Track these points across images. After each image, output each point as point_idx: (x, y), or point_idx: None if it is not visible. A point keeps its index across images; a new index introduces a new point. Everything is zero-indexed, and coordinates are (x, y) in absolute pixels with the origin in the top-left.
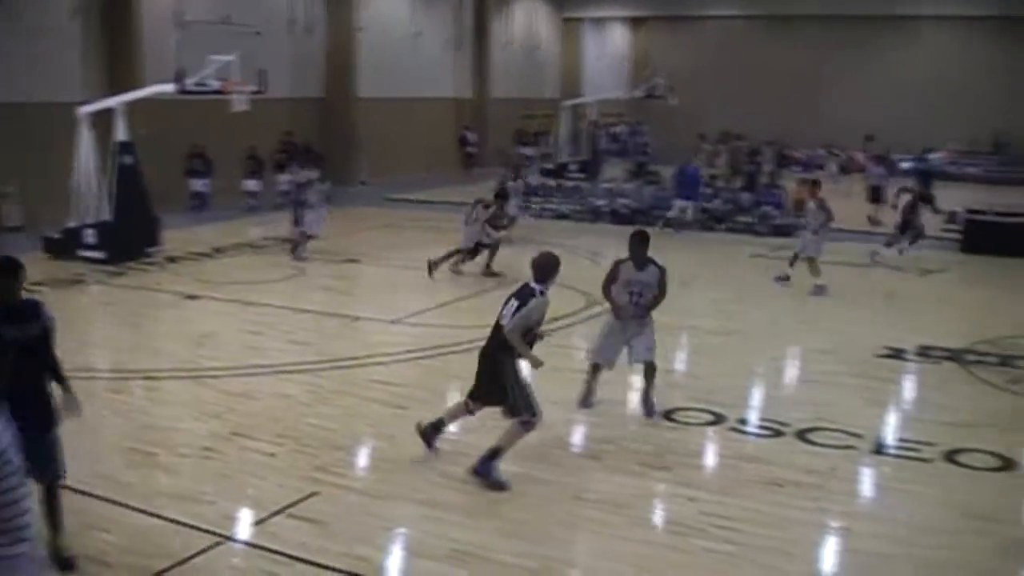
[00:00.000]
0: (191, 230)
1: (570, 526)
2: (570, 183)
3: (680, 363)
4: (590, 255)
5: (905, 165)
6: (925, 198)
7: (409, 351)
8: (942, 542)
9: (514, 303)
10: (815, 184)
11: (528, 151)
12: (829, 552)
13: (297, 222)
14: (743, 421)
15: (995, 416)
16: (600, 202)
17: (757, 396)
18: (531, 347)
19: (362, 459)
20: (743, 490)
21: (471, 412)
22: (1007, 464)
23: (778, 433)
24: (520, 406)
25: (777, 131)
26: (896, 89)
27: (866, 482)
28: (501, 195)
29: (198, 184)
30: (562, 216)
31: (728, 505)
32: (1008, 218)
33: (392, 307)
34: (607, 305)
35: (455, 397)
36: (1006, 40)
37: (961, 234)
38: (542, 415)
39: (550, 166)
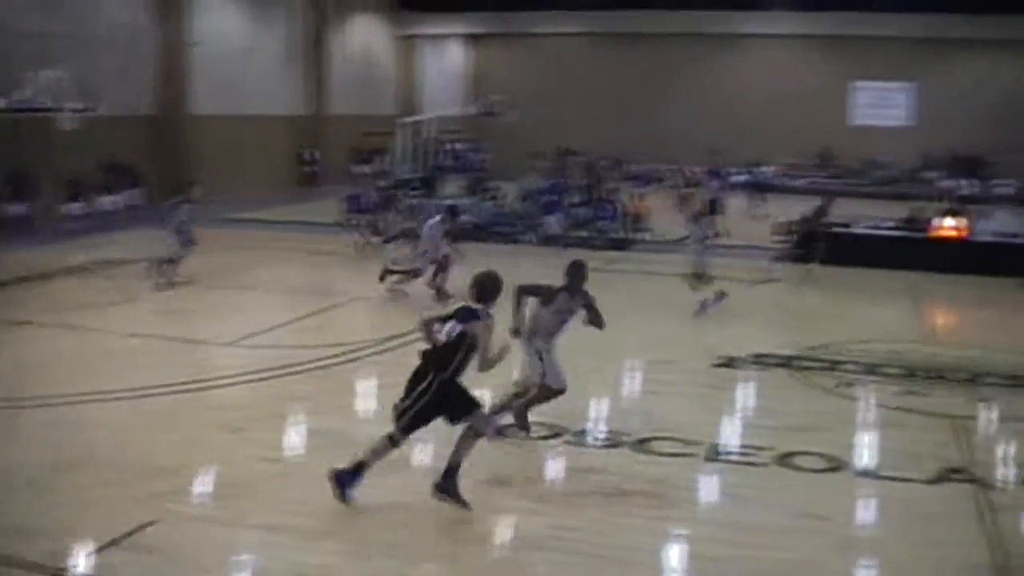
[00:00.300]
0: (13, 255)
1: (415, 545)
2: (408, 201)
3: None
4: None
5: (738, 178)
6: (822, 212)
7: (247, 373)
8: (780, 543)
9: (457, 327)
10: (686, 197)
11: (365, 169)
12: (672, 559)
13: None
14: (582, 433)
15: (825, 419)
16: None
17: (596, 408)
18: (465, 368)
19: (200, 485)
20: (585, 501)
21: (396, 445)
22: (837, 465)
23: (617, 444)
24: (461, 414)
25: (616, 147)
26: (731, 105)
27: (704, 488)
28: (452, 211)
29: (16, 208)
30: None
31: (572, 517)
32: (835, 228)
33: (229, 329)
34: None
35: (295, 418)
36: (832, 57)
37: (792, 244)
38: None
39: (387, 184)
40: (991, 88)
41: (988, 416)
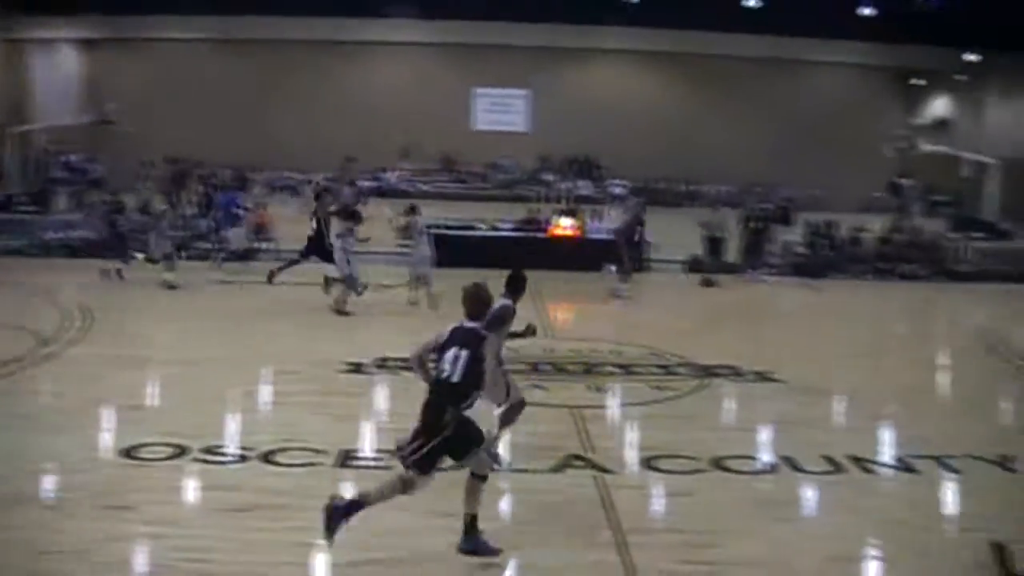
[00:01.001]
0: None
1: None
2: (19, 216)
3: (141, 396)
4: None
5: (363, 185)
6: (641, 222)
7: None
8: (413, 543)
9: (463, 353)
10: (412, 210)
11: None
12: (302, 570)
13: None
14: (208, 450)
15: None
16: (53, 235)
17: (221, 423)
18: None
19: None
20: (212, 519)
21: (409, 489)
22: None
23: (243, 458)
24: (470, 453)
25: (242, 155)
26: (358, 112)
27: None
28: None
29: None
30: (11, 252)
31: (197, 537)
32: (458, 232)
33: None
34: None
35: None
36: (453, 65)
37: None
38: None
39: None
40: (602, 94)
41: (604, 404)
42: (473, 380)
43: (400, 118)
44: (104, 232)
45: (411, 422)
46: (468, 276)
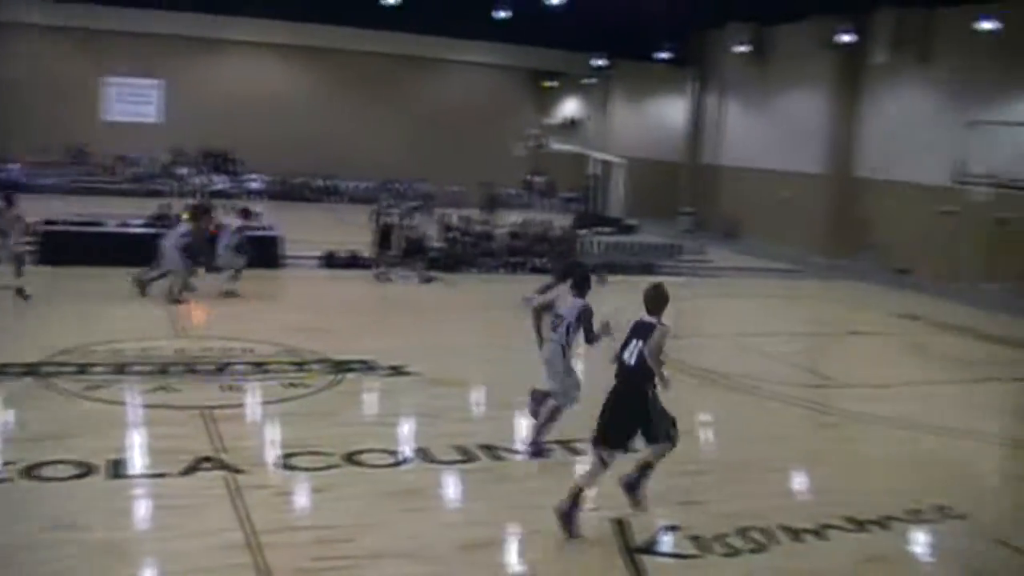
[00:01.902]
0: None
1: None
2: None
3: None
4: None
5: None
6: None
7: None
8: (31, 558)
9: (638, 342)
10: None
11: None
12: None
13: None
14: None
15: (75, 424)
16: None
17: None
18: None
19: None
20: None
21: (606, 465)
22: (88, 470)
23: None
24: (660, 434)
25: None
26: None
27: None
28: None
29: None
30: None
31: None
32: (83, 227)
33: None
34: None
35: None
36: (81, 51)
37: (38, 246)
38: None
39: None
40: (240, 87)
41: (236, 403)
42: (647, 366)
43: (27, 104)
44: None
45: (27, 430)
46: (93, 274)
